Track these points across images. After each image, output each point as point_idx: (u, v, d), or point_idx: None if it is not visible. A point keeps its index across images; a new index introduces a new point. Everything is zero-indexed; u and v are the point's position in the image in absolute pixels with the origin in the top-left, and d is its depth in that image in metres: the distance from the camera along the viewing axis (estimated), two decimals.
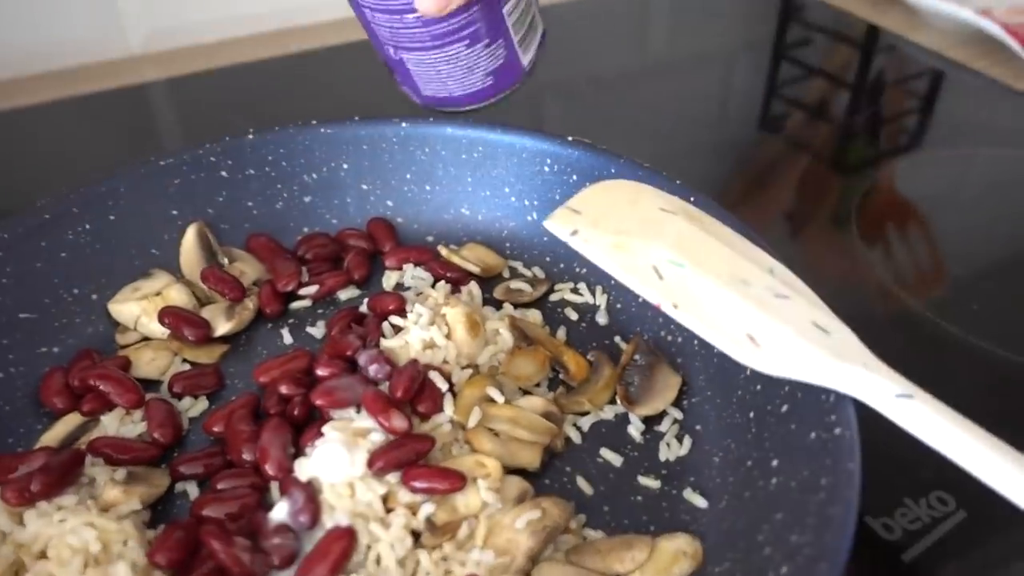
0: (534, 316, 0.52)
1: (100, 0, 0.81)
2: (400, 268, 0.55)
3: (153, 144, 0.75)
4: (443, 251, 0.55)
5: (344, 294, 0.54)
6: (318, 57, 0.86)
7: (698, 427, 0.45)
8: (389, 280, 0.55)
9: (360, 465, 0.40)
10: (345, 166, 0.57)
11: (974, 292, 0.59)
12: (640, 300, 0.41)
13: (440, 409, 0.44)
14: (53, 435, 0.44)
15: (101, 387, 0.45)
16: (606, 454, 0.44)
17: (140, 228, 0.53)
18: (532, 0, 0.48)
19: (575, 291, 0.54)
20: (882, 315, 0.57)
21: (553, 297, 0.54)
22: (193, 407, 0.47)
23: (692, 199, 0.48)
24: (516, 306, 0.52)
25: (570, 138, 0.54)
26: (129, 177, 0.53)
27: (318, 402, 0.43)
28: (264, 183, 0.56)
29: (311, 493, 0.39)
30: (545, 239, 0.55)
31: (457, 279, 0.53)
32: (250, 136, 0.55)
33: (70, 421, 0.45)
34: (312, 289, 0.53)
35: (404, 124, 0.57)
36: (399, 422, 0.41)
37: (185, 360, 0.50)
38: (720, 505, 0.41)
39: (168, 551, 0.38)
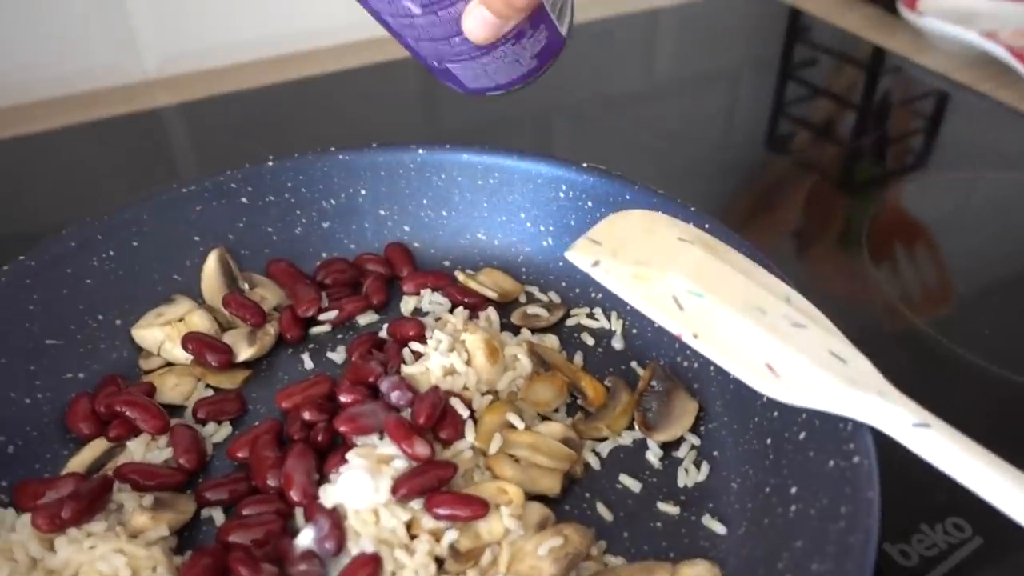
0: (551, 341, 0.53)
1: (117, 25, 0.82)
2: (418, 293, 0.56)
3: (167, 169, 0.76)
4: (460, 276, 0.55)
5: (363, 319, 0.55)
6: (332, 80, 0.87)
7: (715, 453, 0.46)
8: (407, 305, 0.55)
9: (384, 492, 0.40)
10: (363, 192, 0.58)
11: (978, 312, 0.60)
12: (656, 325, 0.42)
13: (462, 436, 0.44)
14: (80, 461, 0.45)
15: (127, 413, 0.46)
16: (625, 480, 0.45)
17: (163, 254, 0.54)
18: None
19: (591, 316, 0.55)
20: (888, 333, 0.58)
21: (569, 322, 0.55)
22: (217, 432, 0.48)
23: (707, 226, 0.48)
24: (533, 331, 0.53)
25: (585, 164, 0.55)
26: (152, 204, 0.54)
27: (342, 428, 0.44)
28: (283, 209, 0.57)
29: (336, 519, 0.40)
30: (560, 264, 0.56)
31: (475, 304, 0.54)
32: (270, 163, 0.56)
33: (96, 447, 0.46)
34: (332, 314, 0.54)
35: (421, 151, 0.57)
36: (422, 449, 0.42)
37: (208, 385, 0.50)
38: (739, 531, 0.41)
39: None
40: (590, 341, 0.53)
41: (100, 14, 0.81)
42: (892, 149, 0.83)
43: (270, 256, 0.57)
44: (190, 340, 0.50)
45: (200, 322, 0.52)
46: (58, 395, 0.48)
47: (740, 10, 1.07)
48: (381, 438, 0.44)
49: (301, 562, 0.39)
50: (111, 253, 0.52)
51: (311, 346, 0.53)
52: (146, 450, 0.46)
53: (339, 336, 0.54)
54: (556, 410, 0.48)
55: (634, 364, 0.52)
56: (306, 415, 0.46)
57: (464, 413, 0.45)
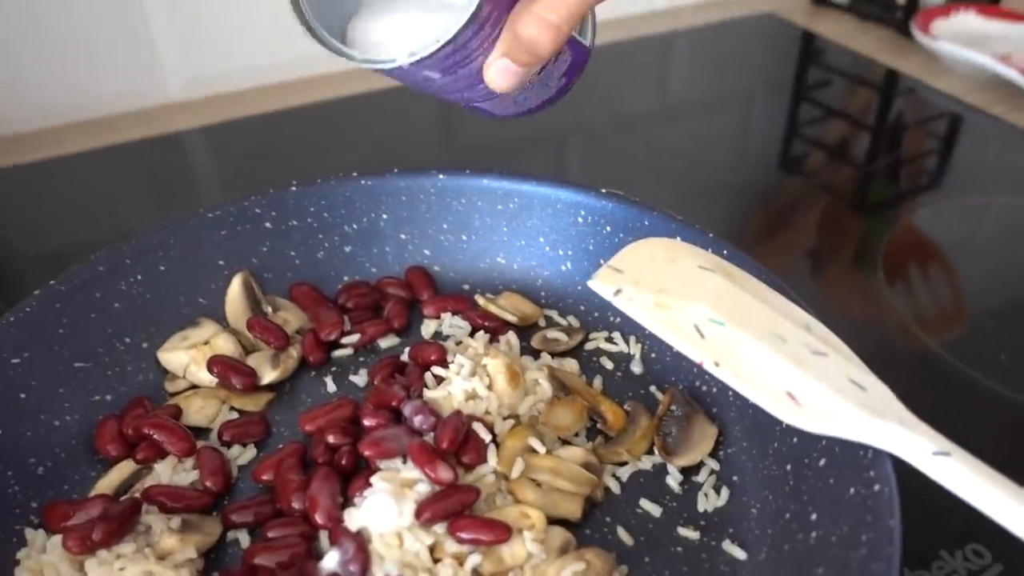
0: (571, 365, 0.53)
1: (141, 50, 0.84)
2: (438, 317, 0.56)
3: (189, 191, 0.77)
4: (480, 300, 0.56)
5: (384, 342, 0.55)
6: (350, 103, 0.88)
7: (735, 478, 0.46)
8: (428, 328, 0.56)
9: (408, 515, 0.41)
10: (384, 216, 0.59)
11: (992, 335, 0.60)
12: (674, 350, 0.42)
13: (484, 460, 0.45)
14: (108, 482, 0.46)
15: (155, 436, 0.47)
16: (645, 504, 0.45)
17: (188, 278, 0.55)
18: None
19: (610, 340, 0.55)
20: (902, 354, 0.59)
21: (588, 346, 0.55)
22: (242, 455, 0.48)
23: (725, 252, 0.49)
24: (553, 355, 0.54)
25: (604, 190, 0.56)
26: (178, 229, 0.55)
27: (366, 452, 0.44)
28: (306, 233, 0.58)
29: (361, 543, 0.40)
30: (579, 288, 0.56)
31: (495, 328, 0.54)
32: (293, 188, 0.57)
33: (124, 468, 0.47)
34: (354, 338, 0.54)
35: (441, 176, 0.58)
36: (445, 473, 0.43)
37: (232, 408, 0.51)
38: (759, 557, 0.42)
39: None
40: (609, 365, 0.54)
41: (124, 39, 0.83)
42: (906, 170, 0.83)
43: (293, 280, 0.57)
44: (215, 363, 0.51)
45: (225, 345, 0.52)
46: (86, 417, 0.49)
47: (753, 33, 1.08)
48: (404, 462, 0.44)
49: None
50: (139, 277, 0.53)
51: (333, 369, 0.54)
52: (173, 472, 0.46)
53: (361, 359, 0.55)
54: (576, 434, 0.49)
55: (653, 388, 0.52)
56: (330, 438, 0.46)
57: (486, 437, 0.46)
